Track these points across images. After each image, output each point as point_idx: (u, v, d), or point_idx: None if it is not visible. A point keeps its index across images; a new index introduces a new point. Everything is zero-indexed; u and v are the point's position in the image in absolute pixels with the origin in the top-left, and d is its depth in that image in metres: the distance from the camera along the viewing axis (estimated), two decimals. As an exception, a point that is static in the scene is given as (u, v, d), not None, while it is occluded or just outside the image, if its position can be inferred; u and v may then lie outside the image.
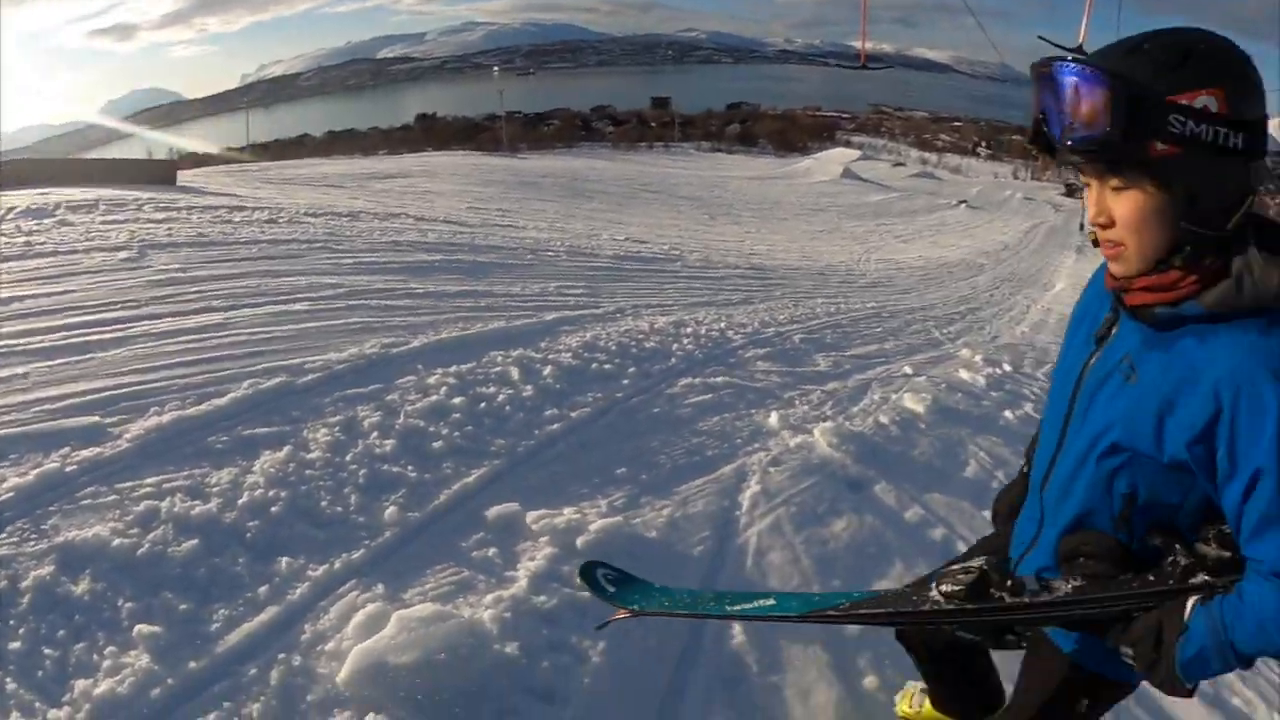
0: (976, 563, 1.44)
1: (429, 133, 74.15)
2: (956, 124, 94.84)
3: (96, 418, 3.20)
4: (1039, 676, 1.49)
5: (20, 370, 3.71)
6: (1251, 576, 1.12)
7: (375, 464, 3.07)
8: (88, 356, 3.98)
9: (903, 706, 2.13)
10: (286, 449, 3.08)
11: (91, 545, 2.37)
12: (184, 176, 16.38)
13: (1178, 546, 1.22)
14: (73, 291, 5.36)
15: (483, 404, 3.72)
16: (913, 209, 38.76)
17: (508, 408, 3.77)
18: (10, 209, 9.30)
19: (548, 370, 4.30)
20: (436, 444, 3.29)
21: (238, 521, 2.60)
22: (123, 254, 6.60)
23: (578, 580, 2.18)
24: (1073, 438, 1.31)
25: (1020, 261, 23.21)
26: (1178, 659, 1.16)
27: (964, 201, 40.20)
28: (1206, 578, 1.18)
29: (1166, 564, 1.23)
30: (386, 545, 2.63)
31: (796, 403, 4.81)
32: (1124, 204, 1.14)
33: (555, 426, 3.74)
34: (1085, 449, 1.26)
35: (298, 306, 5.11)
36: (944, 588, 1.42)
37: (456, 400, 3.67)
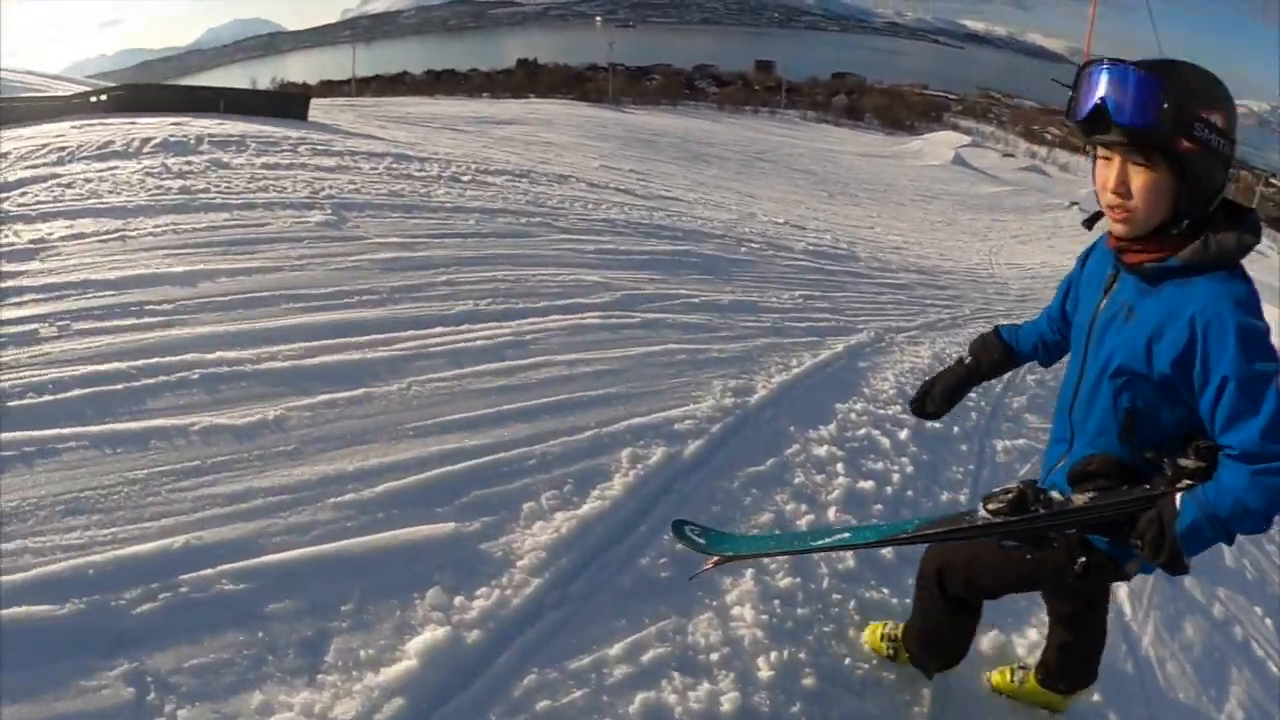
0: (1014, 485, 1.67)
1: (531, 79, 73.22)
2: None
3: (451, 524, 2.31)
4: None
5: (270, 413, 2.71)
6: (1225, 463, 1.39)
7: (853, 587, 2.56)
8: (359, 390, 3.00)
9: (872, 639, 2.31)
10: (749, 574, 2.41)
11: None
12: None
13: (1165, 460, 1.51)
14: (279, 270, 4.34)
15: (888, 488, 3.29)
16: (1024, 206, 36.97)
17: (909, 492, 3.34)
18: (146, 140, 8.30)
19: (903, 434, 3.85)
20: (885, 551, 2.83)
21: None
22: (315, 215, 5.65)
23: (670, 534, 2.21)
24: (1090, 365, 1.63)
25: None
26: (1179, 533, 1.42)
27: (1076, 203, 37.54)
28: (1188, 481, 1.46)
29: (1159, 474, 1.52)
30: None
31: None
32: (1143, 180, 1.42)
33: (964, 522, 3.28)
34: (1098, 372, 1.59)
35: (589, 319, 4.50)
36: (990, 506, 1.65)
37: (862, 485, 3.22)
